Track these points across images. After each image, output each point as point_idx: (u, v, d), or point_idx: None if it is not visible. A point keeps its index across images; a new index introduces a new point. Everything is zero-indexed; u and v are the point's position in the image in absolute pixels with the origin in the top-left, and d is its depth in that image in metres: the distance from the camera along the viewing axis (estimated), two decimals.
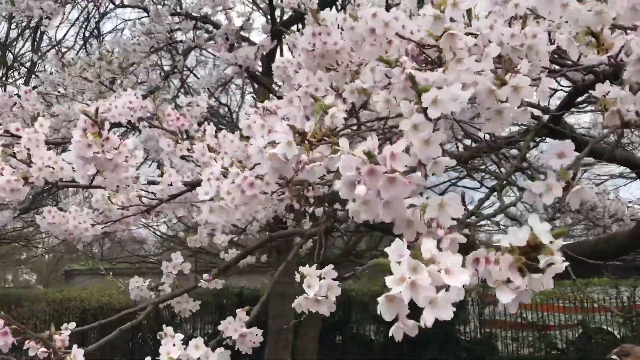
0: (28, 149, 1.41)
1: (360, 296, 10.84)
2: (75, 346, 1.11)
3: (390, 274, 0.71)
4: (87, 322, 1.43)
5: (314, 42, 1.21)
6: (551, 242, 0.75)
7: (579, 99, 2.16)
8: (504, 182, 1.14)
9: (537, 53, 0.94)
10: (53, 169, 1.39)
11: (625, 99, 0.96)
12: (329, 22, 1.20)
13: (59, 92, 4.05)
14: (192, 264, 2.14)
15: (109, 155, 1.23)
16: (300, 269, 1.11)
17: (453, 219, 0.85)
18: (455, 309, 0.72)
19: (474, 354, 10.04)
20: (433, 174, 0.84)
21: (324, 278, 1.13)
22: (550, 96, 2.24)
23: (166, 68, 6.74)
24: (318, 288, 1.07)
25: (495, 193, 1.15)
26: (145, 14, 6.13)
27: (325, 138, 0.91)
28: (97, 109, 1.23)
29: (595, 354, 9.15)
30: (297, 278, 1.11)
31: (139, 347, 10.01)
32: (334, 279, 1.15)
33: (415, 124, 0.83)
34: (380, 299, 0.72)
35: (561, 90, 2.11)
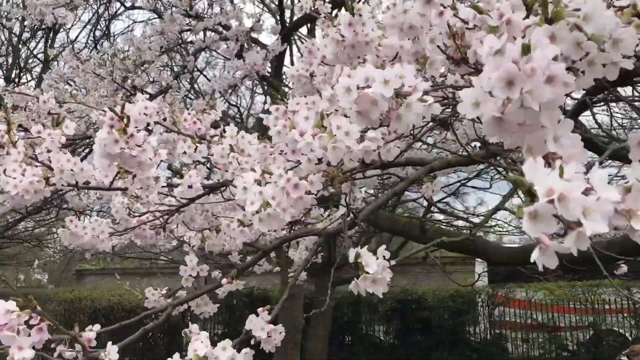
0: (49, 151, 1.42)
1: (369, 297, 10.79)
2: (109, 343, 1.12)
3: (529, 193, 0.65)
4: (97, 321, 1.43)
5: (347, 32, 1.20)
6: None
7: (595, 98, 2.14)
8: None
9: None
10: (73, 171, 1.39)
11: None
12: (364, 12, 1.19)
13: (71, 86, 4.07)
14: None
15: (134, 152, 1.24)
16: (351, 251, 1.10)
17: None
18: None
19: (484, 355, 10.01)
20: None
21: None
22: (567, 95, 2.22)
23: (177, 69, 6.77)
24: (376, 267, 1.06)
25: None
26: (156, 16, 6.16)
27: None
28: (123, 106, 1.24)
29: (606, 355, 9.10)
30: (351, 258, 1.10)
31: (149, 347, 10.06)
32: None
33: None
34: (525, 217, 0.66)
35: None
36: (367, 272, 1.08)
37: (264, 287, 11.07)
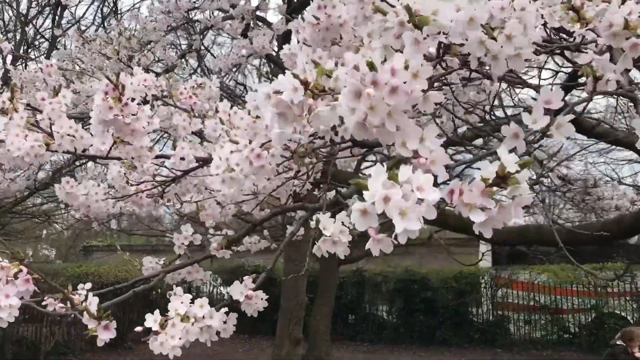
0: (50, 119, 1.48)
1: (373, 277, 10.93)
2: (90, 294, 1.19)
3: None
4: (104, 296, 1.50)
5: (319, 15, 1.26)
6: (517, 171, 0.80)
7: (581, 80, 2.17)
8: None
9: (525, 26, 0.97)
10: (74, 137, 1.46)
11: (606, 66, 1.00)
12: None
13: (78, 66, 4.13)
14: (206, 241, 2.22)
15: (127, 119, 1.30)
16: (316, 215, 1.19)
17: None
18: (421, 221, 0.77)
19: (487, 336, 10.11)
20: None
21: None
22: (553, 77, 2.26)
23: (184, 47, 6.79)
24: (332, 229, 1.14)
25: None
26: None
27: (327, 90, 0.95)
28: (118, 74, 1.30)
29: (607, 338, 9.15)
30: (313, 224, 1.19)
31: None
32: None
33: (406, 57, 0.87)
34: (353, 212, 0.80)
35: (562, 72, 2.14)
36: (325, 235, 1.16)
37: (269, 264, 11.18)
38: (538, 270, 10.30)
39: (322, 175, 1.97)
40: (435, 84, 1.22)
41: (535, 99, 1.84)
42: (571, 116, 0.92)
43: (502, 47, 0.95)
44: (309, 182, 1.97)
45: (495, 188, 0.81)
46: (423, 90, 0.88)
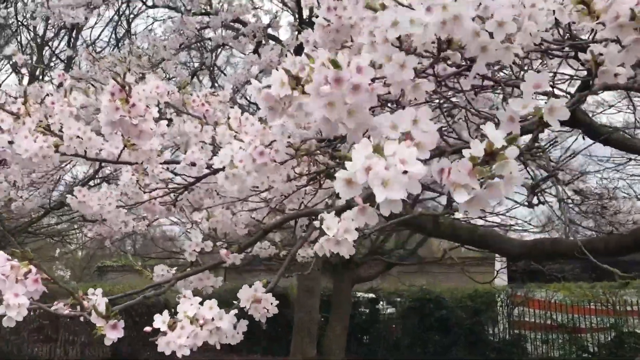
0: (61, 123, 1.49)
1: (388, 295, 10.85)
2: (99, 290, 1.18)
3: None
4: (116, 302, 1.49)
5: (329, 16, 1.26)
6: (504, 147, 0.79)
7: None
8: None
9: (536, 23, 0.96)
10: (82, 139, 1.47)
11: (613, 58, 0.98)
12: None
13: (92, 84, 4.17)
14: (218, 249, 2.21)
15: (135, 120, 1.30)
16: (320, 215, 1.17)
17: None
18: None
19: (503, 355, 9.94)
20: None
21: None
22: (568, 82, 2.24)
23: (196, 65, 6.86)
24: (336, 229, 1.12)
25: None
26: (176, 13, 6.27)
27: None
28: (124, 74, 1.30)
29: (628, 358, 8.98)
30: (317, 224, 1.18)
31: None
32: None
33: (388, 54, 0.89)
34: (337, 180, 0.80)
35: (576, 77, 2.11)
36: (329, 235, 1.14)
37: (283, 285, 11.14)
38: (554, 288, 10.15)
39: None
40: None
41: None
42: (565, 100, 0.91)
43: (492, 36, 0.94)
44: (314, 188, 1.96)
45: (486, 167, 0.80)
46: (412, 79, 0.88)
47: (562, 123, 2.29)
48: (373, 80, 0.92)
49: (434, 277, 11.14)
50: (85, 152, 1.48)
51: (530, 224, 8.79)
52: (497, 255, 8.85)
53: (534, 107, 0.92)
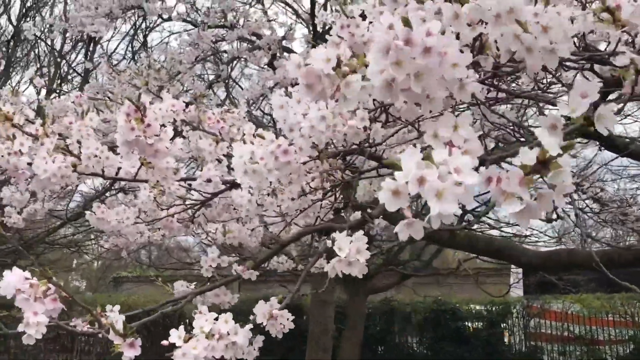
0: (78, 142, 1.51)
1: (402, 307, 10.78)
2: (117, 308, 1.19)
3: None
4: (134, 318, 1.50)
5: (343, 34, 1.27)
6: (559, 154, 0.75)
7: (611, 97, 2.14)
8: None
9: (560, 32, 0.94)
10: (99, 158, 1.49)
11: None
12: (357, 14, 1.26)
13: (108, 97, 4.23)
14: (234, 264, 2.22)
15: (150, 140, 1.32)
16: (332, 235, 1.16)
17: None
18: (457, 210, 0.73)
19: None
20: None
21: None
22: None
23: (211, 78, 6.92)
24: (348, 250, 1.12)
25: None
26: (192, 27, 6.33)
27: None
28: (139, 95, 1.32)
29: None
30: (329, 243, 1.17)
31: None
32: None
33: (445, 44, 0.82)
34: (384, 191, 0.76)
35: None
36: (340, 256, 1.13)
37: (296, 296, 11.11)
38: (571, 300, 10.04)
39: (346, 197, 1.96)
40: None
41: (564, 116, 1.80)
42: (614, 105, 0.87)
43: (536, 38, 0.90)
44: (335, 203, 1.97)
45: (535, 176, 0.76)
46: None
47: (580, 134, 2.27)
48: None
49: (449, 288, 11.06)
50: (103, 171, 1.51)
51: (546, 235, 8.73)
52: (512, 266, 8.78)
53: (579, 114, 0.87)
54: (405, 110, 0.92)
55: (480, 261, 8.46)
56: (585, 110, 0.86)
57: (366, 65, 0.92)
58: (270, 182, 1.44)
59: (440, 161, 0.74)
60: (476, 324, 10.20)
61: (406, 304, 10.80)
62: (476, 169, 0.78)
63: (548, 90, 2.37)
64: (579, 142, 3.99)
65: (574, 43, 1.36)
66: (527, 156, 0.76)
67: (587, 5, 1.37)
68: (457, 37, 0.93)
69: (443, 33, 0.82)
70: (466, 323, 10.23)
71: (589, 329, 9.93)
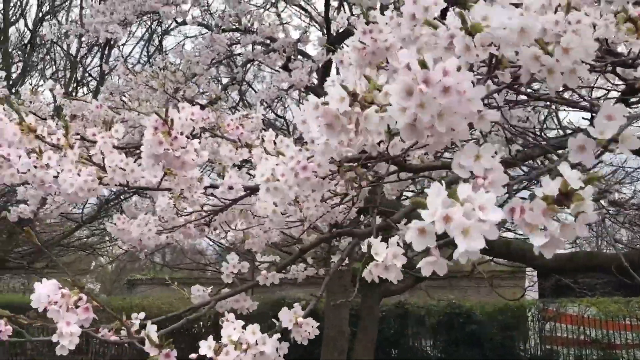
0: (102, 153, 1.52)
1: (416, 310, 10.75)
2: (149, 322, 1.19)
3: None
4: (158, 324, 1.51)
5: (365, 40, 1.26)
6: (582, 187, 0.77)
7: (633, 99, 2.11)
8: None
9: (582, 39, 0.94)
10: (124, 170, 1.50)
11: None
12: (380, 20, 1.25)
13: (123, 101, 4.26)
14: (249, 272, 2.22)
15: (177, 153, 1.33)
16: (368, 240, 1.17)
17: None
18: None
19: None
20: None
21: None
22: (603, 97, 2.21)
23: (225, 80, 6.95)
24: (385, 255, 1.12)
25: None
26: (206, 30, 6.36)
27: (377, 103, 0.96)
28: (167, 109, 1.33)
29: None
30: (365, 249, 1.18)
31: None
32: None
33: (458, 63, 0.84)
34: (411, 230, 0.78)
35: (614, 90, 2.08)
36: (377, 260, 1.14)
37: (310, 299, 11.11)
38: (587, 303, 9.95)
39: (366, 202, 1.96)
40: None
41: (586, 119, 1.78)
42: (635, 131, 0.88)
43: (557, 60, 0.92)
44: (354, 207, 1.96)
45: (557, 207, 0.78)
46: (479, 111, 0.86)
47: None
48: None
49: (463, 291, 11.02)
50: (128, 182, 1.52)
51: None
52: (527, 269, 8.72)
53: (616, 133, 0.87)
54: (432, 145, 0.93)
55: (494, 264, 8.41)
56: (615, 132, 0.86)
57: (378, 89, 0.95)
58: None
59: (464, 198, 0.76)
60: (490, 327, 10.13)
61: (420, 307, 10.76)
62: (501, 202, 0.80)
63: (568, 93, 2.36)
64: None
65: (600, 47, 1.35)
66: (549, 187, 0.78)
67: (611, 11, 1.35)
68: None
69: (459, 69, 0.85)
70: (480, 326, 10.16)
71: (605, 332, 9.84)
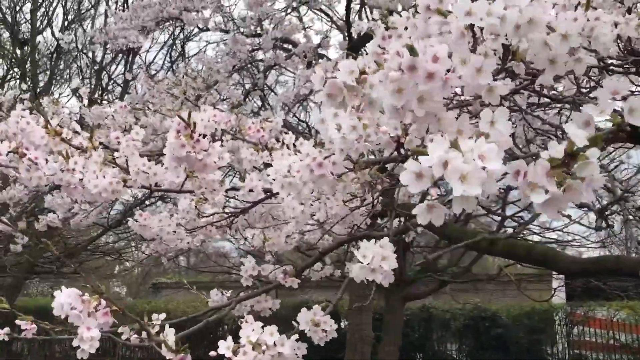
0: (126, 156, 1.55)
1: (441, 313, 10.67)
2: (167, 325, 1.21)
3: None
4: (179, 325, 1.52)
5: (384, 45, 1.27)
6: (586, 147, 0.75)
7: None
8: None
9: (600, 37, 0.94)
10: (147, 173, 1.53)
11: None
12: (399, 25, 1.26)
13: (148, 107, 4.32)
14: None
15: (200, 155, 1.35)
16: (360, 243, 1.17)
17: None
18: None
19: None
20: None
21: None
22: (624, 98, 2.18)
23: (247, 86, 7.00)
24: (370, 258, 1.12)
25: None
26: (228, 35, 6.42)
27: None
28: (189, 113, 1.35)
29: None
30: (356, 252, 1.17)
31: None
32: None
33: (463, 57, 0.87)
34: (407, 172, 0.78)
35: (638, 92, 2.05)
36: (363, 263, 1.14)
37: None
38: (617, 307, 9.76)
39: (384, 205, 1.96)
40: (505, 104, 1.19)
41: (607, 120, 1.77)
42: None
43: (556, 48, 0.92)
44: (373, 211, 1.96)
45: (563, 171, 0.76)
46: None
47: (624, 139, 2.21)
48: (448, 71, 0.92)
49: (489, 294, 10.89)
50: (150, 185, 1.55)
51: (588, 240, 8.52)
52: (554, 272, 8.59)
53: (611, 114, 0.86)
54: (413, 129, 0.95)
55: (521, 267, 8.31)
56: (612, 109, 0.86)
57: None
58: (312, 190, 1.46)
59: (466, 149, 0.76)
60: (517, 331, 10.00)
61: (445, 310, 10.67)
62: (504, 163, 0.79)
63: (590, 95, 2.33)
64: (625, 148, 3.90)
65: (618, 46, 1.34)
66: (555, 149, 0.77)
67: (633, 9, 1.34)
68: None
69: (450, 56, 0.86)
70: (506, 330, 10.04)
71: (636, 337, 9.64)
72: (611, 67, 1.65)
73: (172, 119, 1.44)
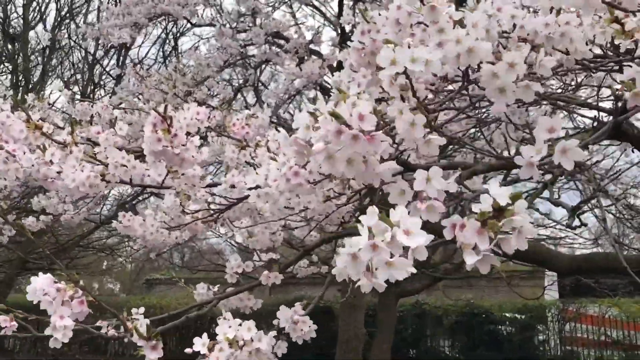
0: (106, 149, 1.54)
1: (434, 310, 10.68)
2: (142, 316, 1.20)
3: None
4: (161, 321, 1.51)
5: (364, 40, 1.26)
6: (509, 204, 0.79)
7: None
8: (556, 177, 1.13)
9: (571, 40, 0.94)
10: (126, 167, 1.51)
11: None
12: (378, 20, 1.24)
13: (137, 100, 4.30)
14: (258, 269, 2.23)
15: (177, 150, 1.34)
16: (345, 240, 1.17)
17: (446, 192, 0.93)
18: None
19: None
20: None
21: None
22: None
23: (240, 82, 6.98)
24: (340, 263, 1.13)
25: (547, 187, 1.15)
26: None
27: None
28: (166, 106, 1.34)
29: None
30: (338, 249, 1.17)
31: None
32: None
33: (400, 108, 0.91)
34: (342, 256, 0.82)
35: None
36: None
37: (327, 299, 11.10)
38: (608, 304, 9.80)
39: (371, 201, 1.95)
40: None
41: (592, 118, 1.77)
42: (576, 141, 0.89)
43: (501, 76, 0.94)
44: (354, 206, 1.95)
45: (497, 222, 0.80)
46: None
47: (609, 137, 2.21)
48: (378, 125, 0.94)
49: (481, 291, 10.91)
50: (131, 179, 1.53)
51: (581, 237, 8.53)
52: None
53: (547, 151, 0.92)
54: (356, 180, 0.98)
55: (514, 263, 8.32)
56: (546, 153, 0.91)
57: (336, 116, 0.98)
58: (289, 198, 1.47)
59: (396, 221, 0.80)
60: (509, 327, 10.03)
61: (438, 307, 10.68)
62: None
63: (576, 93, 2.33)
64: (610, 145, 3.90)
65: (601, 46, 1.34)
66: (484, 204, 0.81)
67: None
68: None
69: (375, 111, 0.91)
70: (499, 326, 10.07)
71: (627, 333, 9.69)
72: (594, 68, 1.65)
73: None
